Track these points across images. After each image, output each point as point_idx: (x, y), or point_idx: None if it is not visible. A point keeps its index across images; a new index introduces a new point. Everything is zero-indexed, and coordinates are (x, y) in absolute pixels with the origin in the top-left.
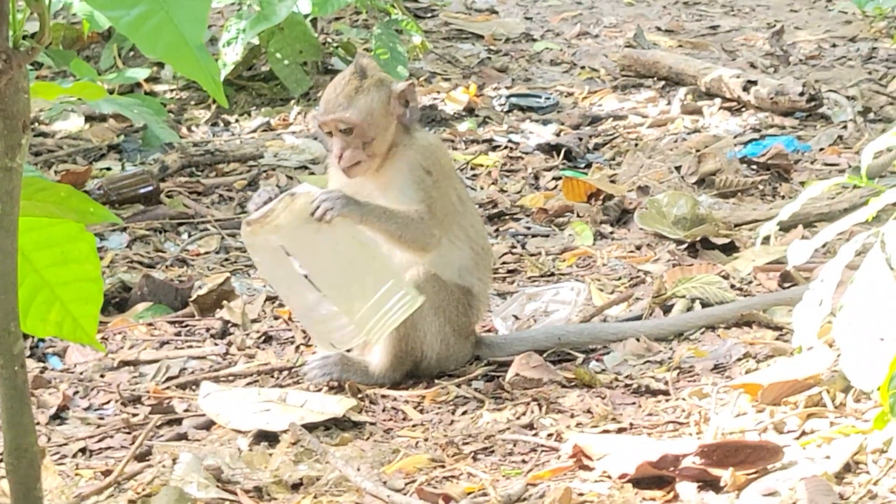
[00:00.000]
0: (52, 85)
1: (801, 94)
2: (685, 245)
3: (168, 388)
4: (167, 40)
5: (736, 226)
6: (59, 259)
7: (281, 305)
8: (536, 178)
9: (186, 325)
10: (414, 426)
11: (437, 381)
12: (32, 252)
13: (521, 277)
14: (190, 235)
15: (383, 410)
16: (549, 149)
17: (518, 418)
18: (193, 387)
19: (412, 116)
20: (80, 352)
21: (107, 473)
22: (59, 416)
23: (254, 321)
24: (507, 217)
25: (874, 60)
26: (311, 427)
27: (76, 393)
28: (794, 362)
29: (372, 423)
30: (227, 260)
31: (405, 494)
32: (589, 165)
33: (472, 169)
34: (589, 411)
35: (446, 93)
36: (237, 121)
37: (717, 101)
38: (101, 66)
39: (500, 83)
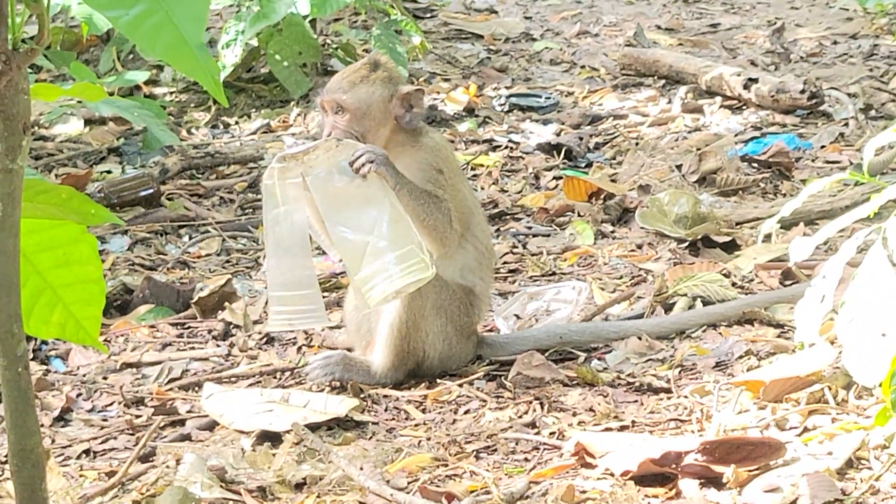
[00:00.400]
0: (52, 86)
1: (802, 91)
2: (686, 243)
3: (171, 389)
4: (167, 39)
5: (737, 224)
6: (61, 261)
7: None
8: (537, 177)
9: (188, 327)
10: (416, 425)
11: (439, 380)
12: (34, 254)
13: (523, 277)
14: (191, 238)
15: (386, 410)
16: (550, 148)
17: (520, 417)
18: (196, 388)
19: (412, 121)
20: (83, 354)
21: (111, 474)
22: (62, 418)
23: (255, 322)
24: (508, 217)
25: (875, 57)
26: (313, 427)
27: (79, 395)
28: (795, 359)
29: (374, 423)
30: (228, 262)
31: (408, 493)
32: (590, 165)
33: (472, 169)
34: (591, 409)
35: (446, 93)
36: (237, 123)
37: (718, 99)
38: (101, 69)
39: (500, 83)
